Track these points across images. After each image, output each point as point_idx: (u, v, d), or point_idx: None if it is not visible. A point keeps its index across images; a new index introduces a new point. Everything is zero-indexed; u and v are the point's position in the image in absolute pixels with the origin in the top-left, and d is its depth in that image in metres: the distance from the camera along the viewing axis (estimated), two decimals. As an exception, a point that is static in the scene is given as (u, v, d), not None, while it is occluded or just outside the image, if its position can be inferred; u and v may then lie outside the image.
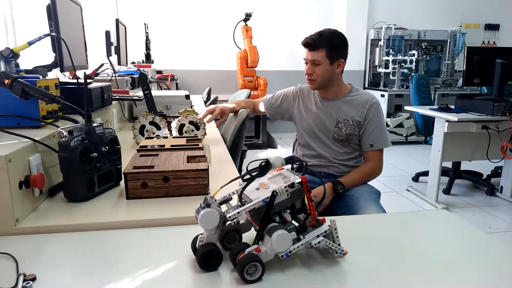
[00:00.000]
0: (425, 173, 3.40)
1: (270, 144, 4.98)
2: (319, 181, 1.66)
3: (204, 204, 0.65)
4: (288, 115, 1.80)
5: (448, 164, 3.46)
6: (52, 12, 1.26)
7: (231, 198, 0.70)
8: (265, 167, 0.66)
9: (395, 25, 5.27)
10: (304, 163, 0.70)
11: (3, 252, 0.69)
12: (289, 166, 0.72)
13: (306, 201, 0.68)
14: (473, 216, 2.91)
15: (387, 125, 5.10)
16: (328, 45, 1.54)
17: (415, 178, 3.68)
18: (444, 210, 0.97)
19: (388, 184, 3.58)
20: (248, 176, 0.66)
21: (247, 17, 4.69)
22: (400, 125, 5.15)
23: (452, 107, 3.06)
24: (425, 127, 3.44)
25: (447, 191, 3.33)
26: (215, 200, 0.65)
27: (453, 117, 2.76)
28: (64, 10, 1.40)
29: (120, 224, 0.83)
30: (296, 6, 5.36)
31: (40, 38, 1.15)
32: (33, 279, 0.62)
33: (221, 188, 0.67)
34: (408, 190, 3.43)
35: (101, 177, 0.97)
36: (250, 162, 0.67)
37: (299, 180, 0.66)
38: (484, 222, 2.81)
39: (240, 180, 0.68)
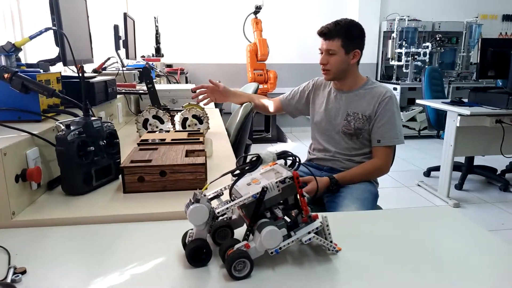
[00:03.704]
0: (437, 168, 3.33)
1: (280, 138, 4.95)
2: (319, 175, 1.63)
3: (193, 199, 0.64)
4: (307, 110, 1.77)
5: (461, 159, 3.39)
6: (54, 6, 1.26)
7: (222, 193, 0.69)
8: (255, 162, 0.65)
9: (408, 16, 5.15)
10: (297, 158, 0.68)
11: (-3, 244, 0.70)
12: (282, 161, 0.70)
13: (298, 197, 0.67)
14: (486, 212, 2.84)
15: (399, 119, 5.00)
16: (344, 34, 1.51)
17: (427, 173, 3.61)
18: (447, 206, 0.94)
19: (399, 179, 3.52)
20: (238, 171, 0.65)
21: (257, 9, 4.65)
22: (413, 119, 5.05)
23: (466, 100, 2.98)
24: (438, 121, 3.37)
25: (459, 187, 3.26)
26: (204, 196, 0.65)
27: (466, 110, 2.69)
28: (68, 4, 1.40)
29: (116, 218, 0.83)
30: (307, -2, 5.28)
31: (41, 32, 1.16)
32: (23, 272, 0.62)
33: (210, 183, 0.66)
34: (419, 185, 3.36)
35: (99, 171, 0.97)
36: (239, 157, 0.65)
37: (291, 175, 0.64)
38: (496, 219, 2.74)
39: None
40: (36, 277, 0.62)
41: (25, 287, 0.59)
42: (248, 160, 0.65)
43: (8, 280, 0.59)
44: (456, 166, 3.18)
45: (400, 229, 0.82)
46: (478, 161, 3.50)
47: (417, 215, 0.91)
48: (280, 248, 0.62)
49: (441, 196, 3.04)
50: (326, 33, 1.52)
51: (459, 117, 2.75)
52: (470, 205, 2.97)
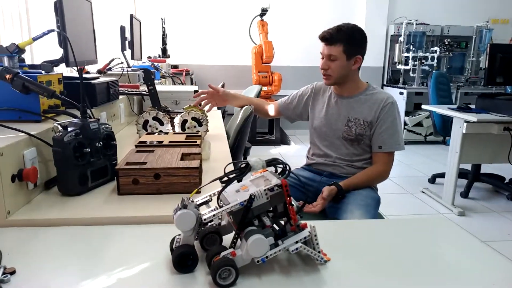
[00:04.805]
0: (442, 175, 3.29)
1: (283, 140, 4.95)
2: (319, 180, 1.63)
3: (181, 205, 0.64)
4: (306, 115, 1.76)
5: (468, 166, 3.34)
6: (58, 8, 1.28)
7: (211, 200, 0.69)
8: (244, 169, 0.65)
9: (416, 20, 5.11)
10: (287, 166, 0.68)
11: (-11, 244, 0.71)
12: (273, 168, 0.70)
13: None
14: (492, 222, 2.79)
15: (405, 124, 4.97)
16: (346, 40, 1.50)
17: (432, 180, 3.57)
18: (442, 216, 0.93)
19: (403, 185, 3.49)
20: (225, 178, 0.65)
21: (263, 12, 4.66)
22: (419, 124, 5.01)
23: (473, 107, 2.94)
24: (444, 127, 3.33)
25: (464, 195, 3.22)
26: (192, 202, 0.65)
27: (473, 117, 2.65)
28: (72, 6, 1.42)
29: (109, 219, 0.84)
30: (314, 0, 5.26)
31: (44, 34, 1.17)
32: (12, 273, 0.63)
33: (198, 189, 0.66)
34: (423, 192, 3.33)
35: (95, 172, 0.98)
36: (227, 164, 0.65)
37: (279, 183, 0.64)
38: (502, 229, 2.69)
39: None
40: (24, 278, 0.62)
41: (13, 287, 0.60)
42: (237, 167, 0.66)
43: (-4, 280, 0.60)
44: (462, 174, 3.14)
45: (395, 239, 0.81)
46: (485, 168, 3.45)
47: (414, 225, 0.90)
48: (267, 257, 0.62)
49: (446, 204, 3.00)
50: (327, 38, 1.50)
51: (465, 124, 2.72)
52: (475, 214, 2.92)
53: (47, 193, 0.96)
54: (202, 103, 1.72)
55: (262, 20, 4.71)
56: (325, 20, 5.15)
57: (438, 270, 0.68)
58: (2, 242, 0.72)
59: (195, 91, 2.08)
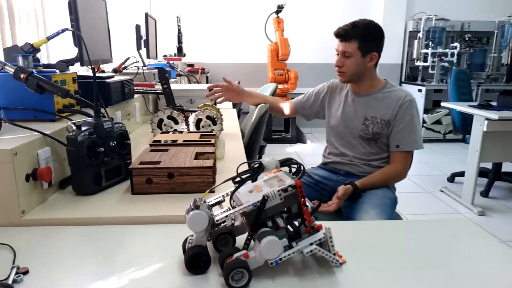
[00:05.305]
0: (462, 174, 3.20)
1: (299, 138, 4.91)
2: (335, 179, 1.60)
3: (193, 206, 0.63)
4: (323, 113, 1.73)
5: (488, 165, 3.24)
6: (72, 8, 1.29)
7: (224, 200, 0.68)
8: (257, 170, 0.63)
9: (436, 15, 4.98)
10: (302, 166, 0.66)
11: (4, 243, 0.71)
12: (287, 168, 0.68)
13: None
14: (513, 221, 2.71)
15: (424, 122, 4.86)
16: (361, 36, 1.46)
17: (451, 179, 3.48)
18: (461, 217, 0.89)
19: (421, 184, 3.41)
20: (238, 179, 0.63)
21: (279, 9, 4.61)
22: (438, 122, 4.89)
23: (495, 104, 2.85)
24: (464, 125, 3.23)
25: (485, 194, 3.12)
26: (205, 202, 0.63)
27: (494, 115, 2.56)
28: (86, 5, 1.43)
29: (123, 219, 0.84)
30: (331, -4, 5.20)
31: (58, 33, 1.18)
32: (25, 272, 0.63)
33: (210, 190, 0.64)
34: (442, 191, 3.24)
35: (109, 171, 0.98)
36: (240, 164, 0.64)
37: (293, 183, 0.62)
38: (524, 229, 2.60)
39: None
40: (38, 278, 0.62)
41: (26, 287, 0.60)
42: (250, 167, 0.64)
43: (10, 280, 0.60)
44: (482, 172, 3.05)
45: (412, 240, 0.78)
46: (507, 167, 3.34)
47: (431, 226, 0.86)
48: (280, 259, 0.60)
49: (465, 203, 2.92)
50: (342, 34, 1.47)
51: (486, 122, 2.63)
52: (496, 213, 2.83)
53: (61, 193, 0.96)
54: (216, 95, 1.70)
55: (278, 17, 4.67)
56: (342, 16, 5.06)
57: (457, 271, 0.65)
58: (16, 241, 0.73)
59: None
